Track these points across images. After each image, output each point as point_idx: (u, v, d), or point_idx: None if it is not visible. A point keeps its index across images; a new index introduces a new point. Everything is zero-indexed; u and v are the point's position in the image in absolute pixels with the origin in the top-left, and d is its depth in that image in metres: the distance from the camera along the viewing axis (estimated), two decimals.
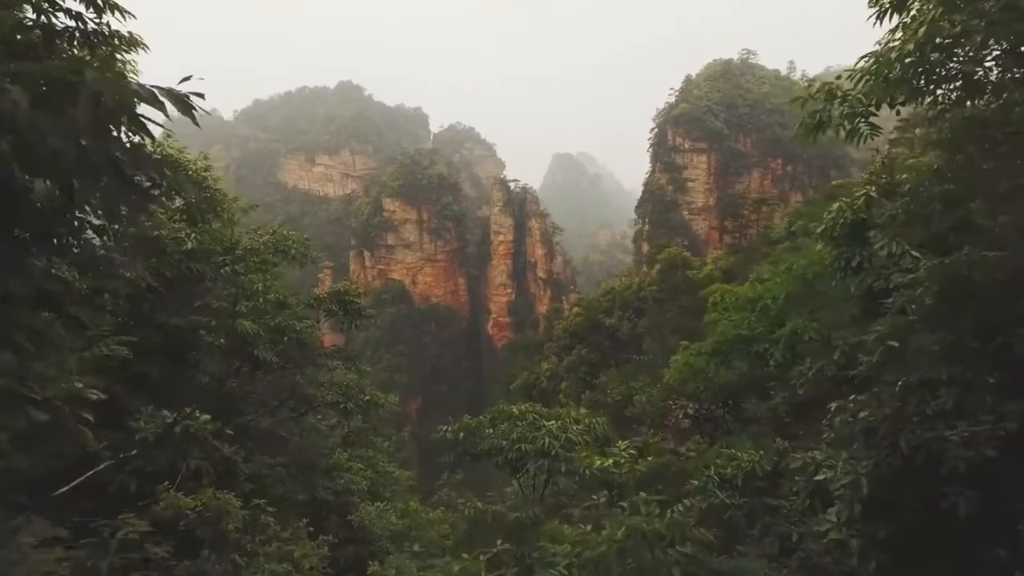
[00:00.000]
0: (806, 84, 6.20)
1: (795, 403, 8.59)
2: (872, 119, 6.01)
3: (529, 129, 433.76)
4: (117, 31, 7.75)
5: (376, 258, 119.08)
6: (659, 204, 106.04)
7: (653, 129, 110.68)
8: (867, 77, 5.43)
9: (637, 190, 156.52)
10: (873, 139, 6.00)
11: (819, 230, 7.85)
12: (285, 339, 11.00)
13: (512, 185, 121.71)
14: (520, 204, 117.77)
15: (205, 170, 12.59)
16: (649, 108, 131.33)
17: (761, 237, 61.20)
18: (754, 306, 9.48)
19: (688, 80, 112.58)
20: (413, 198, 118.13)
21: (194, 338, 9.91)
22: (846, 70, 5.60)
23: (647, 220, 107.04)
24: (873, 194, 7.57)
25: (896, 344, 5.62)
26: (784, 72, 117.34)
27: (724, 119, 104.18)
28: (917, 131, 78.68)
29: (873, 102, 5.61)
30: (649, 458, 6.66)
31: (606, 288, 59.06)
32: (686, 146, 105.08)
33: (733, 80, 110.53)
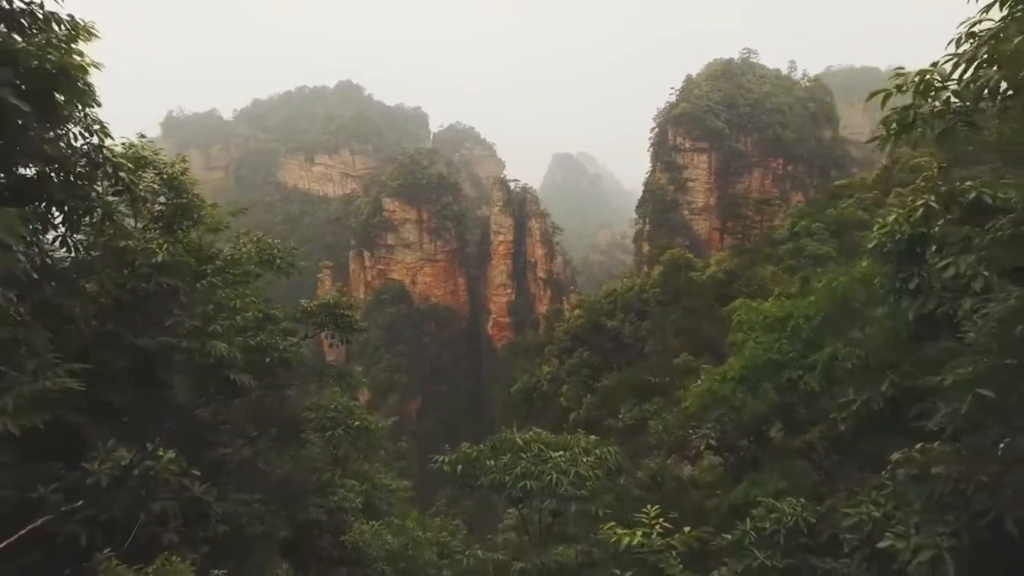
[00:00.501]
0: (893, 74, 5.12)
1: (832, 436, 7.58)
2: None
3: (534, 130, 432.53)
4: (54, 13, 6.73)
5: (376, 258, 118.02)
6: (660, 204, 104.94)
7: (654, 129, 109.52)
8: (969, 64, 4.36)
9: (637, 190, 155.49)
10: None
11: (870, 245, 6.79)
12: (267, 360, 9.97)
13: (512, 185, 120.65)
14: (520, 204, 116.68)
15: (182, 173, 11.54)
16: (653, 110, 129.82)
17: (764, 238, 60.20)
18: (784, 326, 8.47)
19: (689, 79, 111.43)
20: (413, 198, 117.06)
21: (165, 360, 8.90)
22: (949, 55, 4.49)
23: (647, 220, 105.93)
24: (933, 204, 6.52)
25: (991, 395, 4.59)
26: (785, 72, 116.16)
27: (725, 119, 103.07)
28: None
29: (971, 96, 4.55)
30: (687, 529, 5.66)
31: (608, 290, 58.03)
32: (687, 146, 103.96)
33: (734, 80, 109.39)
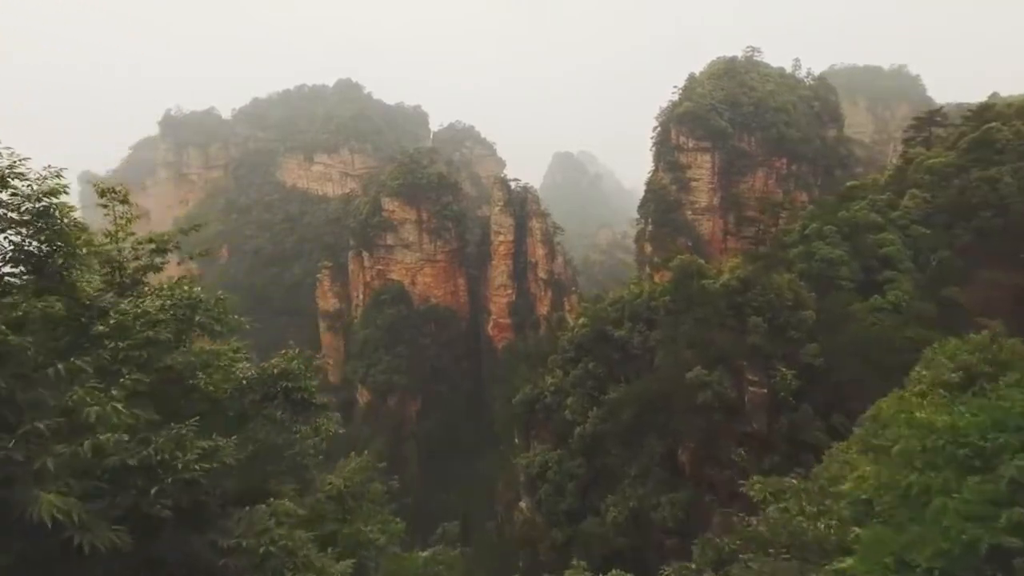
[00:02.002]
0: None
1: None
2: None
3: (529, 129, 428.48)
4: None
5: (375, 258, 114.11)
6: (662, 204, 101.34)
7: (656, 128, 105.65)
8: None
9: (637, 189, 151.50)
10: None
11: None
12: (154, 489, 6.28)
13: (513, 184, 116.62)
14: (521, 204, 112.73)
15: (50, 193, 7.82)
16: (649, 108, 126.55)
17: (776, 242, 56.45)
18: (989, 460, 4.80)
19: (691, 78, 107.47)
20: (412, 197, 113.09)
21: None
22: None
23: (650, 220, 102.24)
24: None
25: None
26: (789, 70, 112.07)
27: (728, 118, 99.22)
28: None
29: None
30: None
31: (614, 297, 54.26)
32: (690, 145, 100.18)
33: (737, 78, 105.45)
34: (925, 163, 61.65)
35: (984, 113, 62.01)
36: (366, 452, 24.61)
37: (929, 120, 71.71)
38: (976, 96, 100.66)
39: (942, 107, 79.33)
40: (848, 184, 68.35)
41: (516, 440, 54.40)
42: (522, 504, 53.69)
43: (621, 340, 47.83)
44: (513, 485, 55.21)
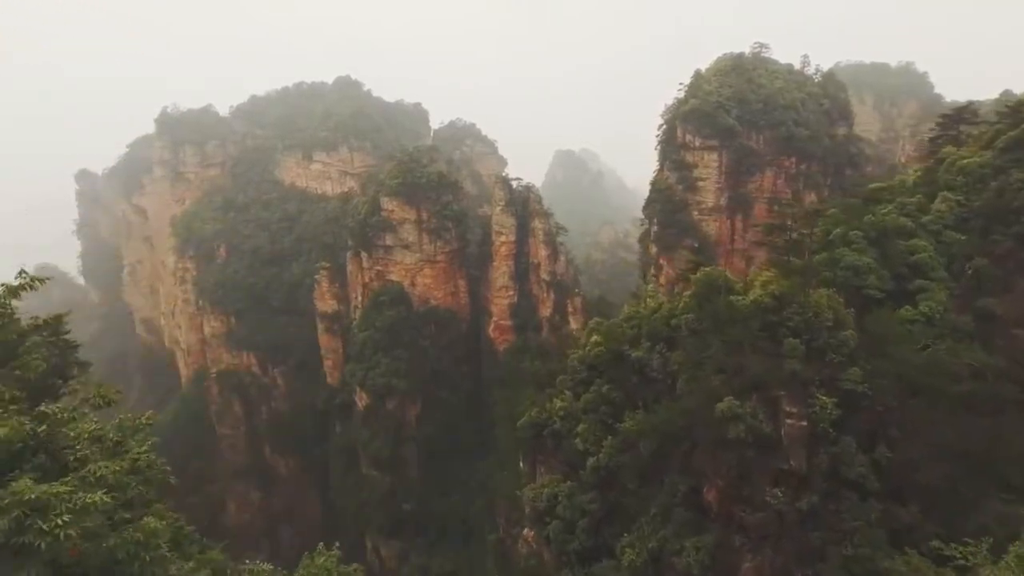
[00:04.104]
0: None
1: None
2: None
3: (529, 129, 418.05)
4: None
5: (374, 259, 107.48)
6: (668, 204, 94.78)
7: (661, 126, 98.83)
8: None
9: (639, 187, 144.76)
10: None
11: None
12: None
13: (514, 184, 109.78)
14: (523, 203, 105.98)
15: None
16: (649, 108, 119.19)
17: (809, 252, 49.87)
18: None
19: (698, 75, 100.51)
20: (412, 197, 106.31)
21: None
22: None
23: (655, 221, 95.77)
24: None
25: None
26: (797, 67, 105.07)
27: (736, 115, 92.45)
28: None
29: None
30: None
31: (629, 312, 47.86)
32: (696, 143, 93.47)
33: (745, 75, 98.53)
34: (957, 163, 55.04)
35: (1022, 109, 55.36)
36: (336, 546, 18.54)
37: (957, 118, 65.00)
38: (978, 95, 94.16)
39: (971, 103, 72.44)
40: (873, 185, 61.77)
41: (521, 466, 48.20)
42: (526, 533, 47.58)
43: (639, 362, 41.48)
44: (517, 515, 49.05)
